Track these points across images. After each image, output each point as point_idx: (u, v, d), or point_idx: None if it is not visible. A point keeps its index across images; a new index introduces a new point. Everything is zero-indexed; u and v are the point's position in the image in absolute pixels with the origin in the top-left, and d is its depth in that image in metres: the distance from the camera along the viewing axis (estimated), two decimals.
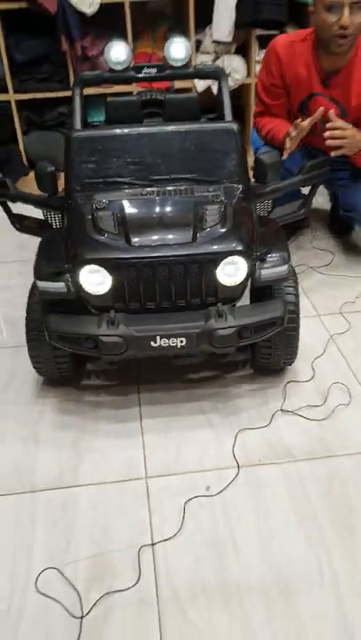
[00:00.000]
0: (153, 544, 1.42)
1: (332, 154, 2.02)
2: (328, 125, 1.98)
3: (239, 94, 3.14)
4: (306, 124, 2.02)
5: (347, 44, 2.00)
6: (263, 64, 2.28)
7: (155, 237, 1.63)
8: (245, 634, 1.23)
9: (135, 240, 1.61)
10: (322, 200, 2.71)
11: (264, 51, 2.35)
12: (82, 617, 1.28)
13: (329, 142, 1.99)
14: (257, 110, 2.38)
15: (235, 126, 1.89)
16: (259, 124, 2.32)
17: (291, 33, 2.35)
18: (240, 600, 1.30)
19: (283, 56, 2.18)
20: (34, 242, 2.44)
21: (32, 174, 3.05)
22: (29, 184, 2.76)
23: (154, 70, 2.16)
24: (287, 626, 1.24)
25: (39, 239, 2.01)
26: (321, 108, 2.03)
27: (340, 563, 1.35)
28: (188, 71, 2.19)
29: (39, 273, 1.64)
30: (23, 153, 3.11)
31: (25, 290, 2.34)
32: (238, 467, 1.60)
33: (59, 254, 1.68)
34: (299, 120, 2.05)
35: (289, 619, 1.26)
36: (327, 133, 1.99)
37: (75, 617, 1.28)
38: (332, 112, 2.00)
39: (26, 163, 3.12)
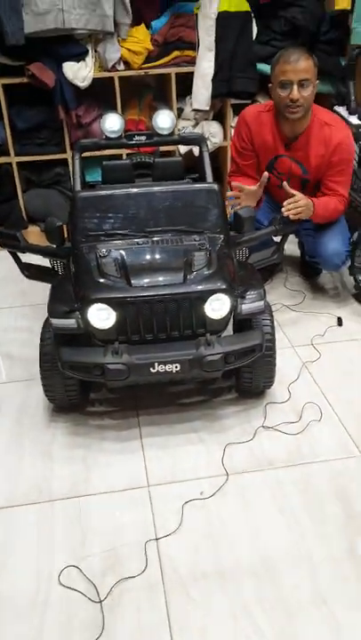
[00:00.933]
0: (157, 539, 1.66)
1: (292, 218, 2.32)
2: (284, 204, 2.32)
3: (217, 155, 3.50)
4: (256, 187, 2.46)
5: (299, 113, 2.35)
6: (235, 131, 2.64)
7: (151, 279, 1.92)
8: (240, 606, 1.47)
9: (135, 282, 1.89)
10: (293, 247, 3.03)
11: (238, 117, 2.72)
12: (101, 601, 1.50)
13: (286, 213, 2.30)
14: (231, 169, 2.73)
15: (216, 186, 2.21)
16: (231, 182, 2.66)
17: (258, 104, 2.72)
18: (234, 580, 1.54)
19: (251, 125, 2.53)
20: (34, 289, 2.75)
21: (31, 227, 3.39)
22: (29, 236, 3.06)
23: (143, 138, 2.50)
24: (273, 597, 1.49)
25: (42, 284, 2.32)
26: (265, 174, 2.43)
27: (313, 545, 1.61)
28: (173, 138, 2.52)
29: (53, 312, 1.91)
30: (23, 209, 3.41)
31: (30, 331, 2.63)
32: (227, 474, 1.86)
33: (68, 296, 1.95)
34: (265, 174, 2.43)
35: (274, 592, 1.50)
36: (284, 210, 2.30)
37: (94, 602, 1.50)
38: (285, 183, 2.36)
39: (25, 217, 3.42)
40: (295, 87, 2.30)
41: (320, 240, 2.59)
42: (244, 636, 1.40)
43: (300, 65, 2.28)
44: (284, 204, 2.33)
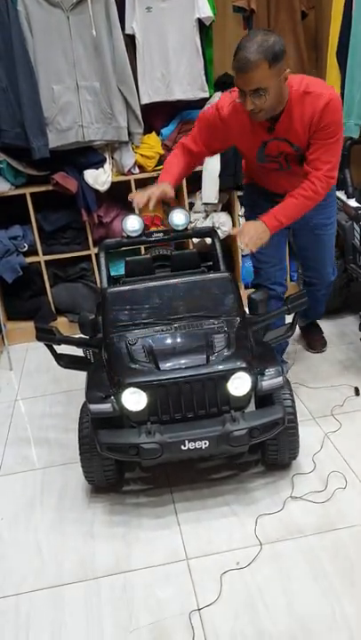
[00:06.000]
0: (199, 609, 1.75)
1: (250, 250, 2.29)
2: (240, 243, 2.27)
3: (227, 242, 3.76)
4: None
5: (262, 116, 2.16)
6: (207, 115, 2.37)
7: (177, 362, 2.09)
8: None
9: (163, 365, 2.07)
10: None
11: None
12: None
13: (247, 250, 2.28)
14: (185, 141, 2.47)
15: (229, 275, 2.43)
16: (174, 149, 2.52)
17: (228, 94, 2.35)
18: None
19: (228, 120, 2.30)
20: (66, 377, 2.93)
21: (59, 318, 3.62)
22: (57, 326, 3.27)
23: (161, 234, 2.75)
24: None
25: (73, 372, 2.51)
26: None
27: (349, 607, 1.70)
28: (187, 233, 2.77)
29: (90, 398, 2.08)
30: (51, 302, 3.66)
31: (64, 416, 2.80)
32: (261, 544, 1.96)
33: (103, 382, 2.13)
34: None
35: None
36: (244, 247, 2.25)
37: None
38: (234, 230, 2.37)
39: (53, 310, 3.67)
40: (248, 98, 2.09)
41: (314, 266, 2.79)
42: None
43: (248, 75, 2.04)
44: (240, 243, 2.28)
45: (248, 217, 2.72)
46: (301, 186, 2.31)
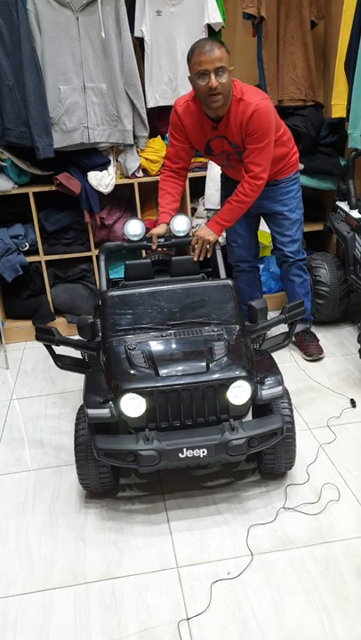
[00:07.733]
0: (188, 618, 1.74)
1: (196, 257, 2.66)
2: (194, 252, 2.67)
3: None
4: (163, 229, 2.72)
5: (220, 100, 2.48)
6: (170, 119, 2.77)
7: (177, 369, 2.08)
8: None
9: (162, 372, 2.06)
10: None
11: None
12: None
13: (201, 257, 2.65)
14: (165, 156, 2.88)
15: (230, 282, 2.43)
16: (161, 175, 2.86)
17: (185, 94, 2.76)
18: None
19: (181, 114, 2.68)
20: (63, 378, 2.93)
21: (58, 319, 3.60)
22: (56, 327, 3.25)
23: (162, 240, 2.75)
24: None
25: (69, 373, 2.48)
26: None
27: (338, 621, 1.69)
28: (188, 239, 2.76)
29: (88, 402, 2.06)
30: (50, 302, 3.65)
31: (59, 418, 2.78)
32: (252, 554, 1.95)
33: (102, 387, 2.12)
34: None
35: None
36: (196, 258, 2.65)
37: None
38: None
39: (52, 310, 3.65)
40: (212, 76, 2.41)
41: (276, 244, 3.08)
42: None
43: (214, 54, 2.40)
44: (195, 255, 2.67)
45: (222, 196, 3.13)
46: (234, 191, 2.69)
